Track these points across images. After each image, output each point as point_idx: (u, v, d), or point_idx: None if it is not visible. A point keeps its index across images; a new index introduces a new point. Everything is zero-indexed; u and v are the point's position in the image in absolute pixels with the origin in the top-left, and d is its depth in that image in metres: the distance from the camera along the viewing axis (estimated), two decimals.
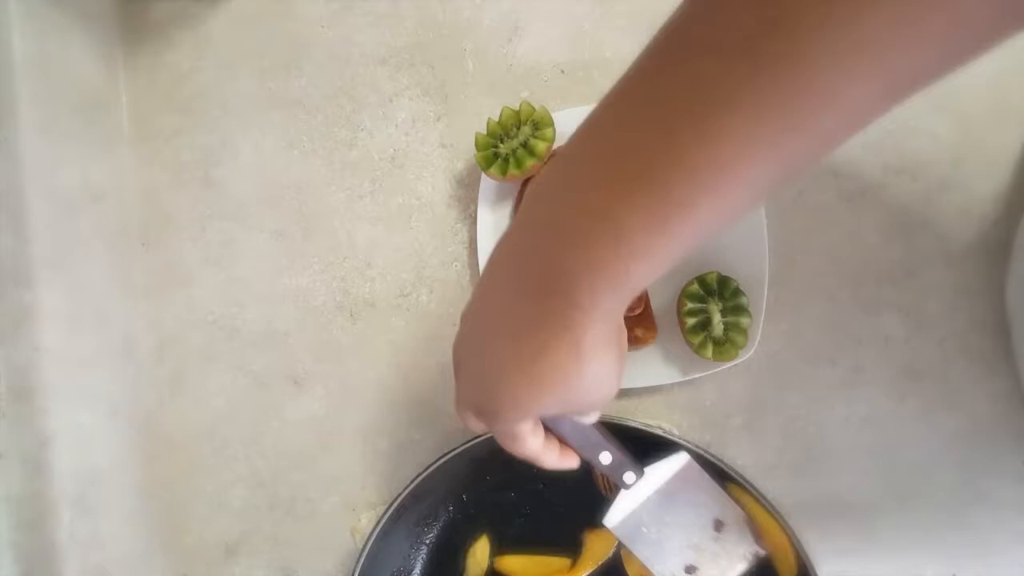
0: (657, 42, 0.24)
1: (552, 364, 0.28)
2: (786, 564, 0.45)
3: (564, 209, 0.26)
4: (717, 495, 0.44)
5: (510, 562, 0.49)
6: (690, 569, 0.44)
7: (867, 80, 0.20)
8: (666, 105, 0.23)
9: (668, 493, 0.43)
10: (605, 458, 0.40)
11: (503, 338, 0.29)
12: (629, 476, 0.42)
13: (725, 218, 0.24)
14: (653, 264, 0.25)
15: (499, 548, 0.50)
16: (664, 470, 0.43)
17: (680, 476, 0.43)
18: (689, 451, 0.46)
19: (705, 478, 0.44)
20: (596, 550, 0.49)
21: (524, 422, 0.33)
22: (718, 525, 0.44)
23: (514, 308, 0.28)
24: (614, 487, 0.43)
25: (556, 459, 0.37)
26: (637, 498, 0.43)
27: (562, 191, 0.27)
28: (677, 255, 0.25)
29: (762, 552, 0.44)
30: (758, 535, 0.44)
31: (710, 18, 0.22)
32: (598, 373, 0.29)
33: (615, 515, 0.43)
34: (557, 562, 0.49)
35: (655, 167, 0.23)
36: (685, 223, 0.24)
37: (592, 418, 0.37)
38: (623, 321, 0.30)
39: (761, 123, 0.21)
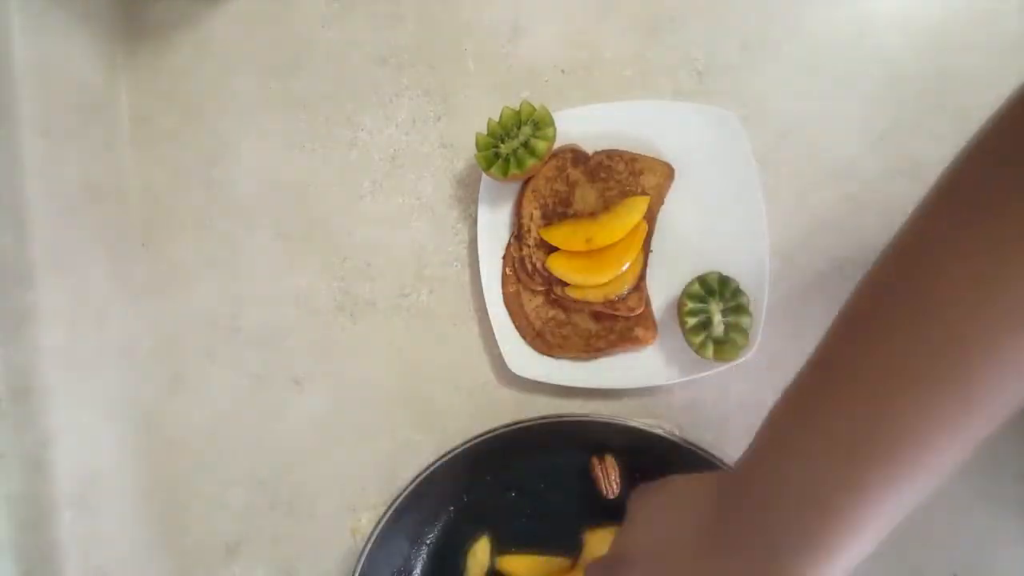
0: (843, 335, 0.29)
1: None
2: None
3: (795, 509, 0.27)
4: None
5: (511, 562, 0.49)
6: None
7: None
8: (855, 399, 0.26)
9: None
10: None
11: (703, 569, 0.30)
12: None
13: (925, 490, 0.26)
14: (869, 546, 0.27)
15: (500, 548, 0.50)
16: None
17: None
18: (690, 451, 0.46)
19: None
20: (597, 550, 0.48)
21: None
22: None
23: (716, 548, 0.30)
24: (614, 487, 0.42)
25: None
26: None
27: (777, 492, 0.28)
28: (884, 533, 0.27)
29: None
30: None
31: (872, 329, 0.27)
32: None
33: None
34: (558, 562, 0.49)
35: (856, 449, 0.26)
36: (899, 501, 0.26)
37: None
38: None
39: (956, 409, 0.24)
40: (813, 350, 0.29)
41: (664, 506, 0.35)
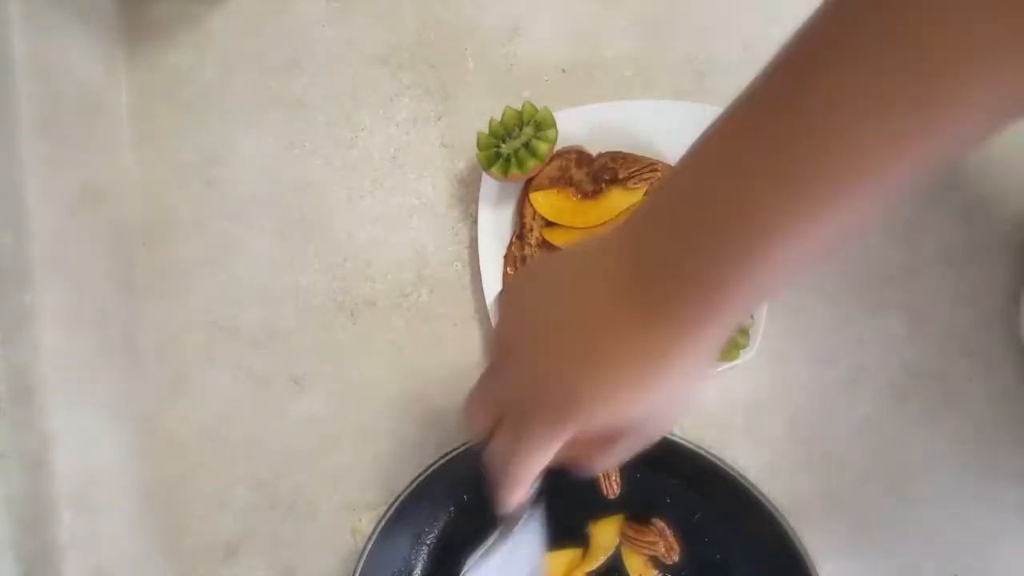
0: (789, 51, 0.25)
1: (678, 361, 0.27)
2: None
3: (716, 204, 0.25)
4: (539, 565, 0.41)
5: None
6: None
7: (990, 87, 0.21)
8: (807, 113, 0.23)
9: (514, 547, 0.39)
10: (533, 488, 0.36)
11: (624, 325, 0.27)
12: (522, 517, 0.38)
13: (855, 222, 0.24)
14: (792, 269, 0.25)
15: None
16: (524, 521, 0.39)
17: (528, 532, 0.40)
18: (690, 450, 0.46)
19: (538, 544, 0.40)
20: (603, 541, 0.49)
21: (584, 425, 0.29)
22: None
23: (640, 299, 0.27)
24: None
25: (524, 491, 0.34)
26: (493, 548, 0.39)
27: (710, 186, 0.26)
28: (812, 261, 0.25)
29: None
30: None
31: (846, 24, 0.23)
32: (694, 389, 0.28)
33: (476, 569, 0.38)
34: (569, 554, 0.49)
35: (799, 166, 0.23)
36: (822, 225, 0.24)
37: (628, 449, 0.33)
38: None
39: (902, 124, 0.22)
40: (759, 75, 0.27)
41: (558, 282, 0.30)
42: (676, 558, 0.47)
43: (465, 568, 0.37)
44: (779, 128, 0.24)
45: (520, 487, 0.33)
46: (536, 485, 0.36)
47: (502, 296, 0.33)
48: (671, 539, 0.48)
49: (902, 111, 0.22)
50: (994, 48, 0.20)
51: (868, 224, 0.25)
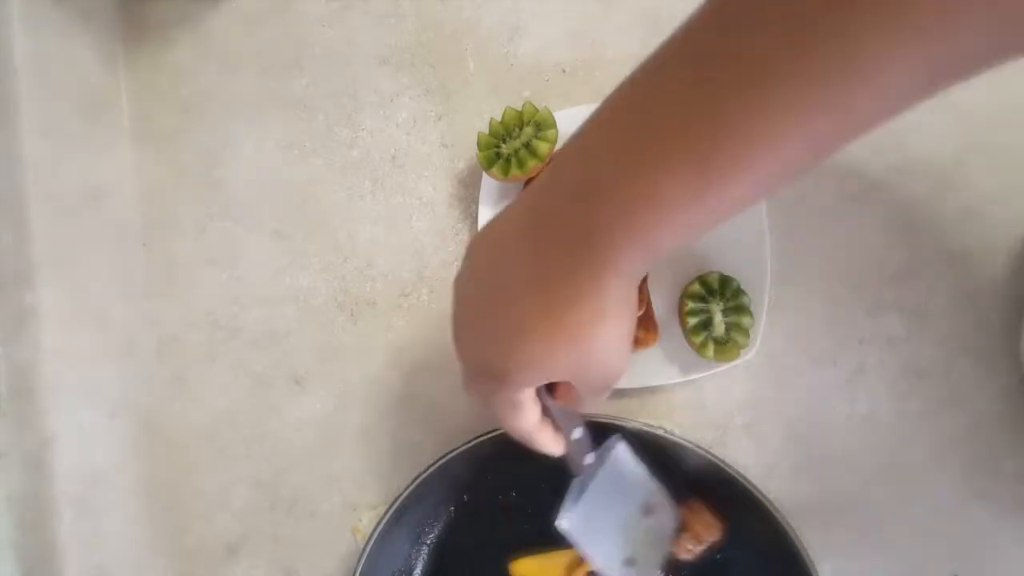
0: (705, 11, 0.24)
1: (577, 320, 0.28)
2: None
3: (601, 169, 0.26)
4: (644, 478, 0.45)
5: (523, 565, 0.49)
6: (629, 561, 0.44)
7: (910, 65, 0.21)
8: (713, 74, 0.23)
9: (606, 479, 0.43)
10: (577, 433, 0.39)
11: (525, 293, 0.29)
12: (589, 456, 0.41)
13: (758, 192, 0.25)
14: (683, 233, 0.26)
15: (506, 551, 0.49)
16: (603, 455, 0.43)
17: (615, 460, 0.44)
18: (690, 450, 0.46)
19: (633, 461, 0.45)
20: None
21: (530, 386, 0.33)
22: (647, 509, 0.45)
23: (537, 264, 0.29)
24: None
25: (550, 439, 0.37)
26: (582, 490, 0.42)
27: (597, 152, 0.27)
28: (706, 226, 0.26)
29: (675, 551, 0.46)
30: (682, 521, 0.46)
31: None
32: (613, 339, 0.29)
33: (568, 514, 0.41)
34: (570, 554, 0.49)
35: (697, 132, 0.24)
36: (721, 193, 0.24)
37: (597, 397, 0.35)
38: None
39: (806, 97, 0.22)
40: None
41: (480, 264, 0.33)
42: (717, 536, 0.47)
43: (560, 518, 0.41)
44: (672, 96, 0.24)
45: (535, 438, 0.36)
46: (580, 428, 0.39)
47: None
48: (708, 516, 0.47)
49: (816, 81, 0.21)
50: (918, 32, 0.20)
51: (768, 190, 0.25)
